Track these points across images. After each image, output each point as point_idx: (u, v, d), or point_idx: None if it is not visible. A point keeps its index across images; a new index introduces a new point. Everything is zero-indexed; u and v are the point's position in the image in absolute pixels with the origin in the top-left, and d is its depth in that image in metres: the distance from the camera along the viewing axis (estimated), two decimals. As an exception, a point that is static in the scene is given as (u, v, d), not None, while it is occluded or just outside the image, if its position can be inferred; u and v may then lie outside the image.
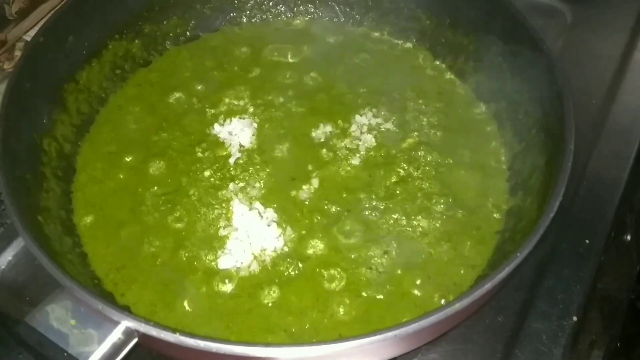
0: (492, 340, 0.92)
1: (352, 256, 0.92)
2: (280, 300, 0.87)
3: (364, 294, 0.88)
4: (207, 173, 1.01)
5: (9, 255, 0.98)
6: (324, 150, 1.04)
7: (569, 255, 0.98)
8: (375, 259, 0.91)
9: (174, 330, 0.67)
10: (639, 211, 1.22)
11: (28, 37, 1.33)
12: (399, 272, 0.90)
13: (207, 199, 0.98)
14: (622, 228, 1.16)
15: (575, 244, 0.99)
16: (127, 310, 0.85)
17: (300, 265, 0.91)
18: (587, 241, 1.00)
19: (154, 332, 0.67)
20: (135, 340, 0.72)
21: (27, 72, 0.94)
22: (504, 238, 0.92)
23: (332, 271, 0.90)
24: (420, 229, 0.95)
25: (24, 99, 0.93)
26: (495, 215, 0.96)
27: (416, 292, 0.88)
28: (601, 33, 1.33)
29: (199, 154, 1.03)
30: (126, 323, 0.69)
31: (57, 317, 0.71)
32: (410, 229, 0.95)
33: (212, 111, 1.10)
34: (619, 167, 1.09)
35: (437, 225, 0.95)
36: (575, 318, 0.92)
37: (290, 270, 0.90)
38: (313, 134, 1.07)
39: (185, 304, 0.87)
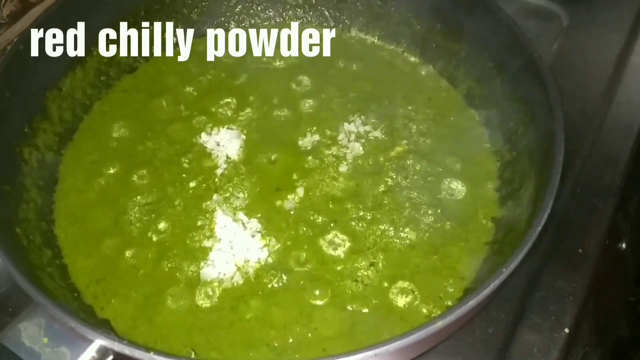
0: (482, 352, 0.90)
1: (338, 268, 0.90)
2: (263, 313, 0.86)
3: (349, 307, 0.86)
4: (192, 184, 0.99)
5: (-9, 265, 0.97)
6: (310, 158, 1.02)
7: (562, 265, 0.96)
8: (362, 271, 0.90)
9: (147, 350, 0.65)
10: (634, 219, 1.21)
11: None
12: (386, 284, 0.88)
13: (191, 209, 0.96)
14: (617, 236, 1.14)
15: (568, 253, 0.97)
16: (106, 324, 0.84)
17: (284, 277, 0.89)
18: (580, 250, 0.97)
19: (127, 351, 0.66)
20: (110, 359, 0.70)
21: (6, 81, 0.92)
22: (494, 250, 0.90)
23: (317, 284, 0.88)
24: (408, 241, 0.93)
25: (3, 108, 0.91)
26: (484, 226, 0.94)
27: (402, 305, 0.87)
28: (597, 36, 1.31)
29: (185, 165, 1.02)
30: (100, 341, 0.68)
31: (29, 335, 0.70)
32: (397, 240, 0.93)
33: (199, 119, 1.08)
34: (614, 173, 1.07)
35: (425, 237, 0.93)
36: (567, 330, 0.90)
37: (273, 283, 0.88)
38: (300, 142, 1.05)
39: (166, 317, 0.85)
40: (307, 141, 1.05)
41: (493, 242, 0.92)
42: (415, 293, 0.88)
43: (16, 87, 0.95)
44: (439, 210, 0.95)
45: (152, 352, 0.65)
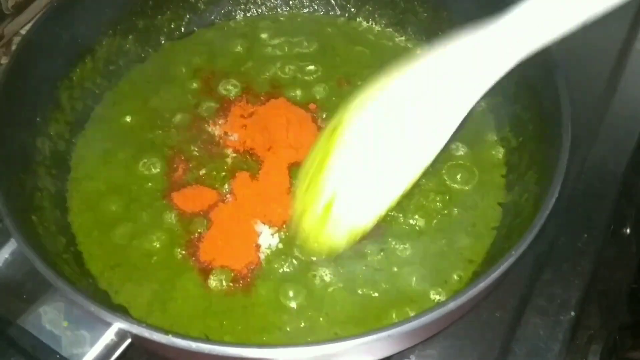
0: (489, 335, 0.91)
1: (348, 254, 0.91)
2: (275, 298, 0.87)
3: (359, 291, 0.87)
4: (202, 171, 1.00)
5: (5, 252, 0.97)
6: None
7: (568, 250, 0.97)
8: (372, 256, 0.91)
9: (166, 332, 0.66)
10: (639, 204, 1.22)
11: (25, 31, 1.32)
12: (395, 269, 0.90)
13: (202, 196, 0.97)
14: (622, 221, 1.15)
15: (574, 238, 0.99)
16: (122, 309, 0.85)
17: (295, 262, 0.90)
18: (585, 235, 0.99)
19: (146, 333, 0.67)
20: (128, 341, 0.72)
21: (18, 72, 0.93)
22: (501, 234, 0.92)
23: (328, 269, 0.89)
24: (417, 227, 0.94)
25: (16, 98, 0.92)
26: (491, 211, 0.95)
27: (412, 289, 0.88)
28: (601, 23, 1.30)
29: (195, 153, 1.03)
30: (119, 324, 0.69)
31: (49, 319, 0.71)
32: (407, 227, 0.94)
33: (207, 107, 1.09)
34: (619, 160, 1.08)
35: (434, 223, 0.94)
36: (573, 313, 0.92)
37: (285, 268, 0.90)
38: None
39: (180, 302, 0.87)
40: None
41: (500, 227, 0.93)
42: (425, 278, 0.89)
43: (28, 78, 0.96)
44: (447, 197, 0.96)
45: (170, 335, 0.67)
